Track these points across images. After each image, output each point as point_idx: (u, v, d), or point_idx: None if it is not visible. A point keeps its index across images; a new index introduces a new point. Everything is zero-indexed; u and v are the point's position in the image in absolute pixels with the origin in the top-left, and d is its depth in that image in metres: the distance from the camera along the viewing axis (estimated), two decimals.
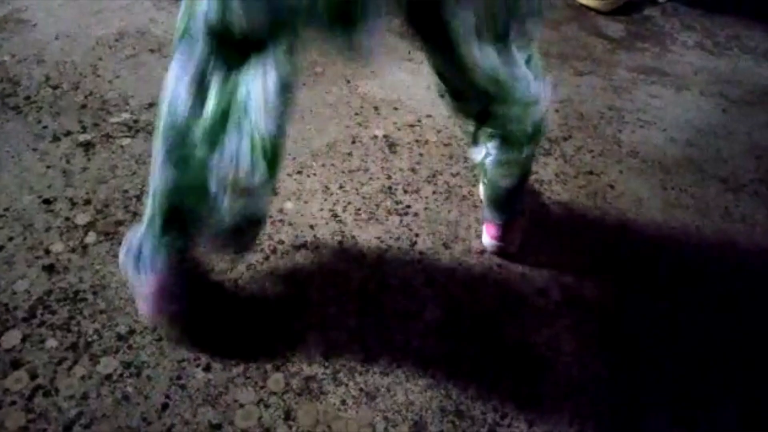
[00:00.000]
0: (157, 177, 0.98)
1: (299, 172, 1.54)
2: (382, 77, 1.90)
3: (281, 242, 1.37)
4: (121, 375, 1.11)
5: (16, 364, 1.11)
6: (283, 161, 1.56)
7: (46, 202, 1.40)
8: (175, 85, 0.92)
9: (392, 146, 1.66)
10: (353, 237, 1.40)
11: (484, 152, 1.23)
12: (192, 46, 0.90)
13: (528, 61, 1.08)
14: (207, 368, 1.13)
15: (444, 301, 1.29)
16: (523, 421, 1.11)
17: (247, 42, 0.87)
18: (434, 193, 1.54)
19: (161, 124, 0.95)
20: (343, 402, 1.11)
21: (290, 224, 1.41)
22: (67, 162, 1.51)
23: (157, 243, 1.04)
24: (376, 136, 1.69)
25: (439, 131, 1.71)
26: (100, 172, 1.49)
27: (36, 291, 1.23)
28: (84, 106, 1.67)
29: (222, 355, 1.15)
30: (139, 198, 1.43)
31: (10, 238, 1.32)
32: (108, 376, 1.11)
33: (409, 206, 1.49)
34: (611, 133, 1.77)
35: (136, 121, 1.64)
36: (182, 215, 1.00)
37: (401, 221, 1.45)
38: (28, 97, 1.68)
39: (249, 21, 0.84)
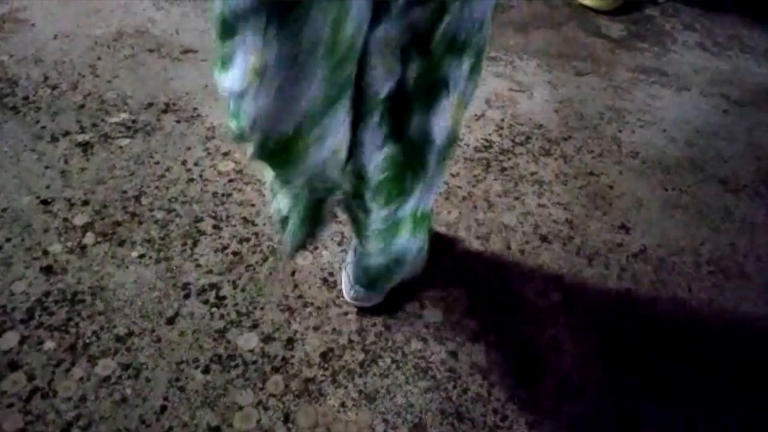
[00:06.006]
0: None
1: None
2: None
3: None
4: (119, 377, 1.11)
5: (13, 366, 1.11)
6: None
7: (45, 202, 1.40)
8: None
9: None
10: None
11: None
12: None
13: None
14: (206, 370, 1.13)
15: (444, 302, 1.28)
16: (523, 424, 1.11)
17: None
18: None
19: None
20: (343, 404, 1.11)
21: None
22: (66, 162, 1.50)
23: None
24: None
25: None
26: (99, 173, 1.48)
27: (34, 292, 1.22)
28: (82, 107, 1.67)
29: (221, 357, 1.15)
30: (137, 198, 1.43)
31: (8, 239, 1.31)
32: (106, 378, 1.10)
33: None
34: (611, 134, 1.77)
35: (134, 122, 1.63)
36: None
37: None
38: (26, 97, 1.68)
39: None
